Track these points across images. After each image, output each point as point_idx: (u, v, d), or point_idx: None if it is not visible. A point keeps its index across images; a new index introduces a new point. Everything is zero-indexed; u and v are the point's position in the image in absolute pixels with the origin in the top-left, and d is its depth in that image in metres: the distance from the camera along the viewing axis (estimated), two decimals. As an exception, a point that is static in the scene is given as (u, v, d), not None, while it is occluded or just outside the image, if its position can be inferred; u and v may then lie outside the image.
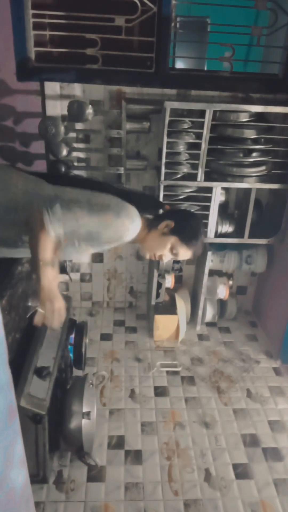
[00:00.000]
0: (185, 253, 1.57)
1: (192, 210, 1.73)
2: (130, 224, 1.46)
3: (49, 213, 1.31)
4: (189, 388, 2.27)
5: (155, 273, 2.59)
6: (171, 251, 1.57)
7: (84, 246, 1.47)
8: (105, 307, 2.99)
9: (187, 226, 1.56)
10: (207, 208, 2.38)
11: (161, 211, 1.63)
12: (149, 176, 2.54)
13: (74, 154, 2.39)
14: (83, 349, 2.11)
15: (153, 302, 2.69)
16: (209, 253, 2.55)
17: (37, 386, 1.61)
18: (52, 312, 1.35)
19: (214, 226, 2.43)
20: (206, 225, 2.42)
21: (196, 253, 1.61)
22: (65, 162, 2.29)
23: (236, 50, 2.37)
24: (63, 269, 2.24)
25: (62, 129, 2.13)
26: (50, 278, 1.34)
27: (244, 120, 2.23)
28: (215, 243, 2.53)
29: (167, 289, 2.75)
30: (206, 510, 1.64)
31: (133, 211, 1.48)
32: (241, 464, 1.85)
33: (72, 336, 2.11)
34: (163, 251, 1.56)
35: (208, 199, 2.36)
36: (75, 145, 2.35)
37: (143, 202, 1.59)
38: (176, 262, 2.70)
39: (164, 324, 2.62)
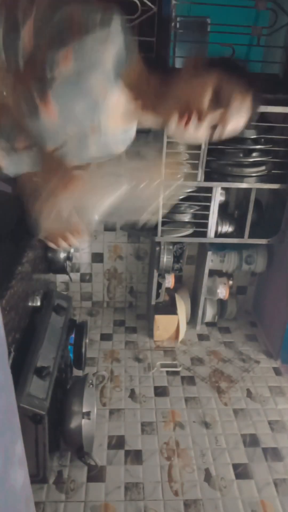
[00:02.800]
0: (240, 107, 0.90)
1: None
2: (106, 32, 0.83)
3: None
4: (189, 388, 2.27)
5: (155, 273, 2.59)
6: (216, 100, 0.87)
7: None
8: (105, 307, 2.99)
9: (232, 62, 0.92)
10: (207, 208, 2.38)
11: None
12: (149, 176, 2.54)
13: (74, 154, 2.38)
14: (83, 349, 2.11)
15: (153, 302, 2.69)
16: (209, 253, 2.55)
17: (37, 386, 1.61)
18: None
19: (214, 226, 2.43)
20: (206, 225, 2.42)
21: (255, 110, 0.94)
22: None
23: (236, 50, 2.37)
24: (63, 269, 2.24)
25: (62, 129, 2.13)
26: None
27: (244, 120, 2.23)
28: (215, 243, 2.53)
29: (167, 289, 2.75)
30: (206, 510, 1.64)
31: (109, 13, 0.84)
32: (241, 464, 1.85)
33: (72, 336, 2.11)
34: (204, 97, 0.87)
35: (208, 199, 2.36)
36: (75, 145, 2.34)
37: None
38: (176, 261, 2.70)
39: (164, 324, 2.62)
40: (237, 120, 0.92)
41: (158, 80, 0.92)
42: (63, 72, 0.84)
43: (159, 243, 2.53)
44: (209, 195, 2.34)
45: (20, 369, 1.69)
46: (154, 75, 0.93)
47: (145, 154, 1.07)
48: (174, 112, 0.88)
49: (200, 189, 2.35)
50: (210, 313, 2.78)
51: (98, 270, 2.86)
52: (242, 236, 2.46)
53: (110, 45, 0.84)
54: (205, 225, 2.42)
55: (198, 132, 0.91)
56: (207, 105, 0.87)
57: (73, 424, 1.72)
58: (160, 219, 2.35)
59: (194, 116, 0.87)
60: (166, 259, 2.57)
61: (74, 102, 0.89)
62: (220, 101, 0.87)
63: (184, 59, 0.95)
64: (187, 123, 0.88)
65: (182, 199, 2.38)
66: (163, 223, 2.39)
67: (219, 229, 2.49)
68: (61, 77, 0.84)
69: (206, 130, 0.91)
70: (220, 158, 2.29)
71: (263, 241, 2.51)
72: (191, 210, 2.40)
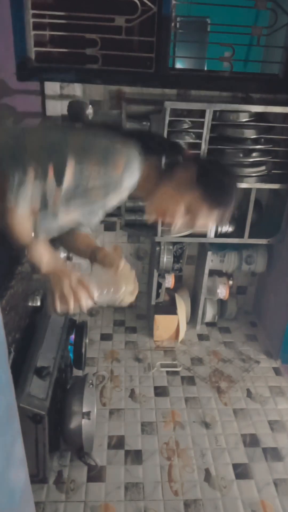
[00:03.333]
0: (205, 217, 1.16)
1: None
2: (125, 162, 1.09)
3: (14, 183, 0.99)
4: (189, 388, 2.27)
5: (155, 273, 2.59)
6: (187, 211, 1.16)
7: (63, 207, 1.14)
8: (105, 307, 2.99)
9: (216, 179, 1.15)
10: (207, 208, 2.38)
11: (179, 157, 1.24)
12: (149, 176, 2.54)
13: (74, 154, 2.38)
14: (83, 349, 2.11)
15: (153, 302, 2.69)
16: (209, 253, 2.55)
17: (37, 386, 1.61)
18: (68, 289, 1.07)
19: (214, 226, 2.43)
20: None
21: (222, 219, 1.20)
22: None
23: (236, 50, 2.37)
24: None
25: (62, 129, 2.13)
26: (43, 252, 1.10)
27: (244, 120, 2.23)
28: (215, 243, 2.53)
29: (167, 289, 2.75)
30: (206, 510, 1.64)
31: (128, 147, 1.13)
32: (241, 464, 1.85)
33: (72, 336, 2.11)
34: (177, 210, 1.15)
35: (208, 199, 2.36)
36: (75, 145, 2.34)
37: (153, 142, 1.22)
38: (176, 262, 2.70)
39: (164, 324, 2.62)
40: (203, 224, 1.20)
41: (155, 181, 1.20)
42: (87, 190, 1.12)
43: (159, 243, 2.53)
44: (209, 195, 2.34)
45: (20, 369, 1.69)
46: (154, 175, 1.20)
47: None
48: (155, 212, 1.23)
49: (200, 189, 2.35)
50: (210, 313, 2.78)
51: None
52: (242, 236, 2.46)
53: (128, 177, 1.13)
54: (205, 225, 2.42)
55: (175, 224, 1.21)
56: (177, 215, 1.18)
57: (73, 424, 1.72)
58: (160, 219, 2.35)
59: (165, 221, 1.21)
60: (166, 259, 2.57)
61: (91, 208, 1.23)
62: (189, 212, 1.17)
63: (179, 168, 1.20)
64: (163, 222, 1.24)
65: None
66: (163, 223, 2.39)
67: (219, 229, 2.49)
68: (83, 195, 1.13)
69: (179, 225, 1.21)
70: (220, 158, 2.28)
71: (263, 241, 2.51)
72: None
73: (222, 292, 2.68)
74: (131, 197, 1.23)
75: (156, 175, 1.20)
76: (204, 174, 1.15)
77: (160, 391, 2.24)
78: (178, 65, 3.54)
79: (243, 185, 2.33)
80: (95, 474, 1.76)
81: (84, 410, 1.72)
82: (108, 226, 2.69)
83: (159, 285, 2.67)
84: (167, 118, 2.13)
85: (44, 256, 1.10)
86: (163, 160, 1.26)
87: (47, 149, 1.08)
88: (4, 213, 1.04)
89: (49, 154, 1.07)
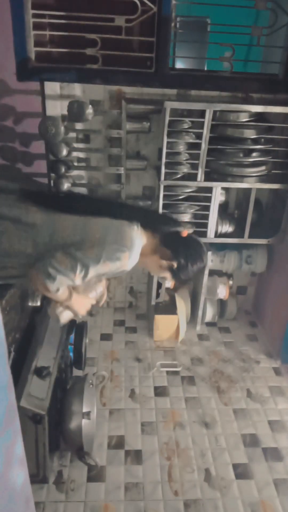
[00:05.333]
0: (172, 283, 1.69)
1: (204, 249, 1.60)
2: (127, 259, 1.42)
3: (48, 279, 1.33)
4: (189, 388, 2.27)
5: (155, 273, 2.59)
6: (162, 278, 1.65)
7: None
8: (105, 307, 2.99)
9: (188, 270, 1.53)
10: (207, 208, 2.38)
11: (176, 229, 1.56)
12: (149, 176, 2.54)
13: (74, 154, 2.39)
14: (83, 349, 2.11)
15: (153, 302, 2.69)
16: (209, 253, 2.55)
17: (37, 386, 1.61)
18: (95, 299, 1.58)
19: (214, 226, 2.43)
20: (206, 225, 2.42)
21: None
22: (65, 162, 2.29)
23: (236, 50, 2.37)
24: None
25: (62, 129, 2.13)
26: (80, 301, 1.49)
27: (244, 120, 2.23)
28: (215, 243, 2.53)
29: (167, 289, 2.75)
30: (206, 510, 1.64)
31: (132, 241, 1.42)
32: (241, 464, 1.85)
33: (72, 336, 2.11)
34: (156, 274, 1.65)
35: (208, 199, 2.36)
36: (75, 145, 2.35)
37: (159, 221, 1.57)
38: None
39: (164, 324, 2.62)
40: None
41: (150, 249, 1.53)
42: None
43: (159, 243, 2.52)
44: (209, 195, 2.34)
45: (20, 369, 1.69)
46: (151, 240, 1.52)
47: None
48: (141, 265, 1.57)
49: (200, 189, 2.36)
50: (210, 313, 2.78)
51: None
52: (242, 236, 2.46)
53: (131, 265, 1.46)
54: (205, 225, 2.42)
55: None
56: (159, 272, 1.58)
57: (73, 424, 1.72)
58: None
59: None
60: (166, 259, 2.56)
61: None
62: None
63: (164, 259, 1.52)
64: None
65: (182, 199, 2.38)
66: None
67: (219, 229, 2.49)
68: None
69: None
70: (220, 158, 2.29)
71: (263, 241, 2.51)
72: (191, 210, 2.40)
73: (222, 292, 2.68)
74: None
75: (152, 247, 1.52)
76: (181, 264, 1.52)
77: (160, 391, 2.24)
78: (178, 65, 3.54)
79: (243, 185, 2.33)
80: (95, 474, 1.76)
81: (84, 410, 1.72)
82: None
83: (159, 285, 2.67)
84: (167, 118, 2.13)
85: (80, 303, 1.50)
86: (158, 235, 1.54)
87: (74, 243, 1.39)
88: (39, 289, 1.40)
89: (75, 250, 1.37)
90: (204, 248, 1.57)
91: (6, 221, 1.40)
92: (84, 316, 1.57)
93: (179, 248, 1.52)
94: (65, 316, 1.52)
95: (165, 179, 2.28)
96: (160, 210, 2.33)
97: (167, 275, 1.55)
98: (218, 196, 2.35)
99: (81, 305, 1.51)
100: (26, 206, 1.44)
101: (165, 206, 2.35)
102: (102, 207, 1.50)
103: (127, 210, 1.53)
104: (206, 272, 2.59)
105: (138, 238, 1.46)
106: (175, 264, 1.51)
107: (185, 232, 1.55)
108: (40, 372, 1.66)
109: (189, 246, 1.56)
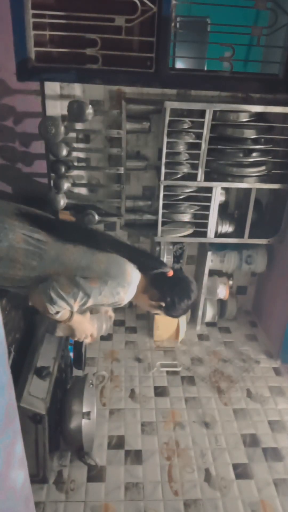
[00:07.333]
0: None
1: (192, 285, 1.69)
2: (126, 294, 1.53)
3: (49, 302, 1.41)
4: (189, 388, 2.27)
5: (155, 273, 2.58)
6: (155, 313, 1.74)
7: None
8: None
9: (176, 308, 1.63)
10: (207, 208, 2.38)
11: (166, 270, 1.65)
12: (149, 176, 2.54)
13: (74, 154, 2.39)
14: (83, 349, 2.11)
15: (153, 302, 2.69)
16: (209, 253, 2.55)
17: (37, 386, 1.61)
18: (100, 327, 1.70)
19: (214, 226, 2.43)
20: (206, 225, 2.42)
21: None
22: (65, 162, 2.29)
23: (236, 50, 2.37)
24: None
25: (62, 129, 2.13)
26: (81, 324, 1.57)
27: (244, 120, 2.23)
28: (215, 243, 2.53)
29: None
30: (206, 510, 1.64)
31: (132, 277, 1.53)
32: (241, 464, 1.85)
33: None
34: (149, 311, 1.72)
35: (208, 199, 2.36)
36: (75, 145, 2.35)
37: (147, 262, 1.63)
38: (176, 262, 2.70)
39: (164, 324, 2.62)
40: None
41: (141, 287, 1.61)
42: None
43: (159, 243, 2.53)
44: (209, 195, 2.34)
45: (20, 369, 1.69)
46: (141, 280, 1.60)
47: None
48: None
49: (200, 189, 2.35)
50: (210, 313, 2.78)
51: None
52: (242, 236, 2.46)
53: (128, 299, 1.58)
54: (205, 225, 2.42)
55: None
56: (150, 310, 1.69)
57: (73, 424, 1.72)
58: (160, 219, 2.35)
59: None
60: (166, 259, 2.57)
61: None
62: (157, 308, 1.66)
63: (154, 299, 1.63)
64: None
65: (182, 199, 2.38)
66: (163, 223, 2.40)
67: (219, 229, 2.49)
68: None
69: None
70: (220, 158, 2.29)
71: (263, 241, 2.51)
72: (191, 210, 2.40)
73: (222, 292, 2.68)
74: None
75: (143, 286, 1.60)
76: (170, 303, 1.62)
77: (160, 391, 2.24)
78: (178, 65, 3.54)
79: (243, 185, 2.33)
80: (95, 474, 1.76)
81: (84, 410, 1.72)
82: (108, 226, 2.69)
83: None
84: (167, 118, 2.13)
85: (84, 325, 1.60)
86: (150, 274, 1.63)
87: (78, 271, 1.48)
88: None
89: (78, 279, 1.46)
90: (192, 285, 1.67)
91: (20, 233, 1.47)
92: (93, 340, 1.69)
93: (165, 289, 1.61)
94: (62, 330, 1.57)
95: (165, 179, 2.28)
96: (160, 210, 2.33)
97: (159, 311, 1.66)
98: (218, 196, 2.35)
99: (81, 329, 1.59)
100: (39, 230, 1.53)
101: (165, 206, 2.35)
102: (103, 243, 1.59)
103: (128, 250, 1.63)
104: (206, 272, 2.59)
105: (136, 276, 1.56)
106: (163, 304, 1.60)
107: (171, 272, 1.64)
108: (40, 372, 1.66)
109: (175, 286, 1.64)
